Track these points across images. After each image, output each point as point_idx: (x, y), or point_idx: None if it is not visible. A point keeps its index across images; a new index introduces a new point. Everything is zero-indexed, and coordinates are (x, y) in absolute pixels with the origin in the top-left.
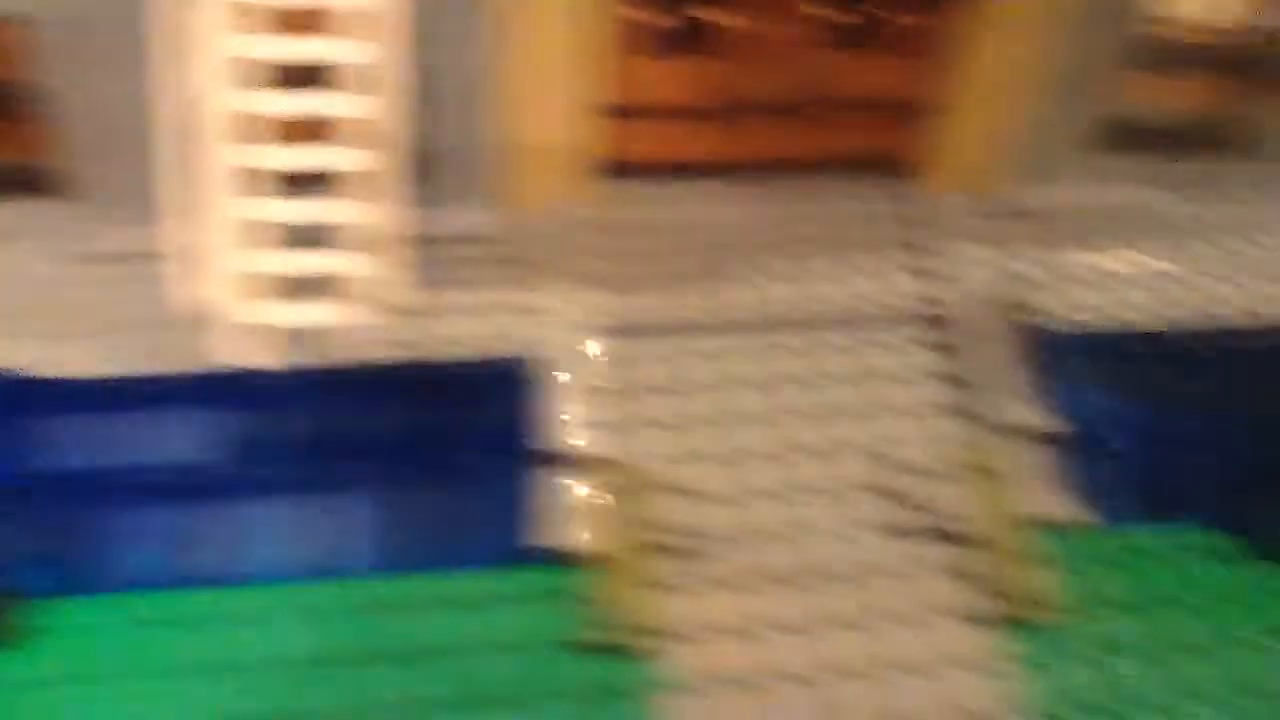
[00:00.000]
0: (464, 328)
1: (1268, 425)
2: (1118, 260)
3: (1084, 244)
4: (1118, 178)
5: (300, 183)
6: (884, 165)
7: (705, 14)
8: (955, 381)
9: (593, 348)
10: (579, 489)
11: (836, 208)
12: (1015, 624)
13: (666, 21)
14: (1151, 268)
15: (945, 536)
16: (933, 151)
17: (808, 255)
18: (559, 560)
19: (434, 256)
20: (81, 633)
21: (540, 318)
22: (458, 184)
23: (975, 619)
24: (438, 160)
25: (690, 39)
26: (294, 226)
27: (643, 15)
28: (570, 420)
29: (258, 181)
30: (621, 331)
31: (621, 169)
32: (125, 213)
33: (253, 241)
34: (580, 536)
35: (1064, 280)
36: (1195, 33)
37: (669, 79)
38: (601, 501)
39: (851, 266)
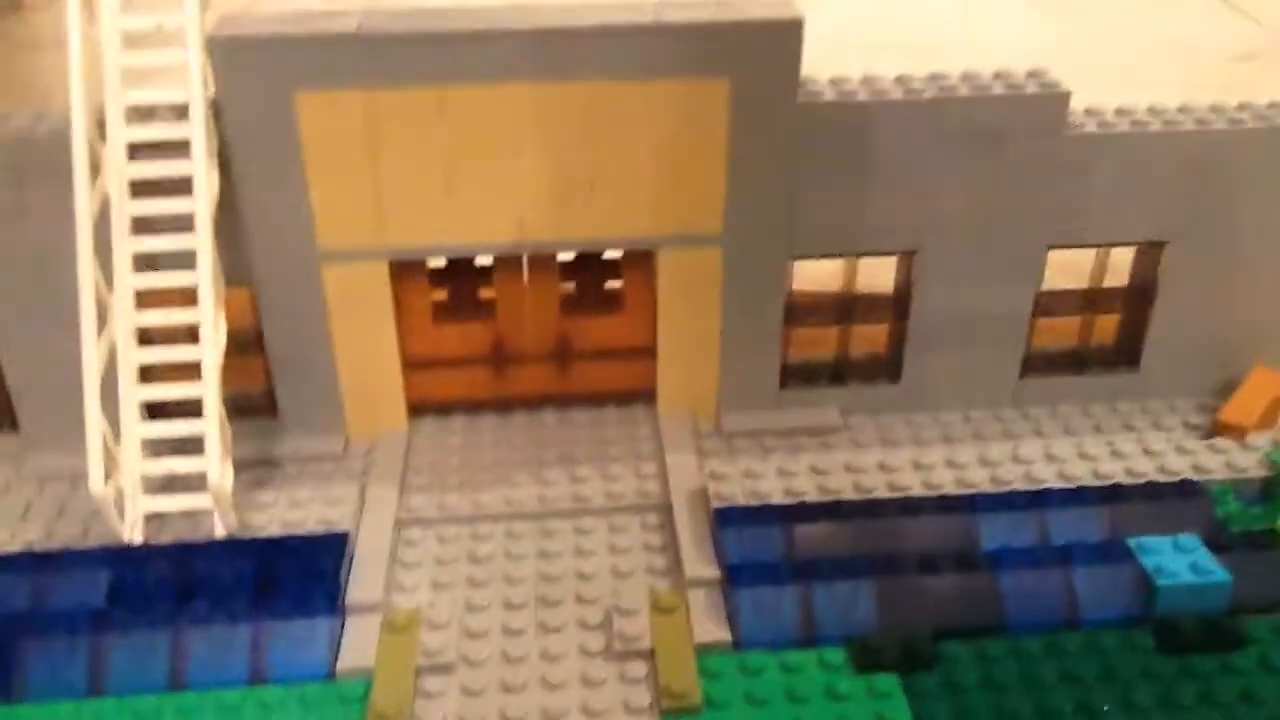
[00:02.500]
0: (303, 513)
1: (882, 569)
2: (787, 459)
3: (760, 451)
4: (795, 402)
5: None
6: (625, 396)
7: (475, 290)
8: (662, 550)
9: (389, 532)
10: (372, 627)
11: (586, 430)
12: (672, 713)
13: (446, 295)
14: (815, 463)
15: (634, 656)
16: (659, 386)
17: (569, 464)
18: (351, 676)
19: (289, 468)
20: None
21: (361, 510)
22: (310, 419)
23: (645, 711)
24: (294, 400)
25: (465, 308)
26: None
27: (432, 291)
28: (372, 579)
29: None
30: (419, 521)
31: (422, 405)
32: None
33: (140, 452)
34: (365, 660)
35: (747, 475)
36: (818, 294)
37: (455, 338)
38: (383, 636)
39: (602, 471)
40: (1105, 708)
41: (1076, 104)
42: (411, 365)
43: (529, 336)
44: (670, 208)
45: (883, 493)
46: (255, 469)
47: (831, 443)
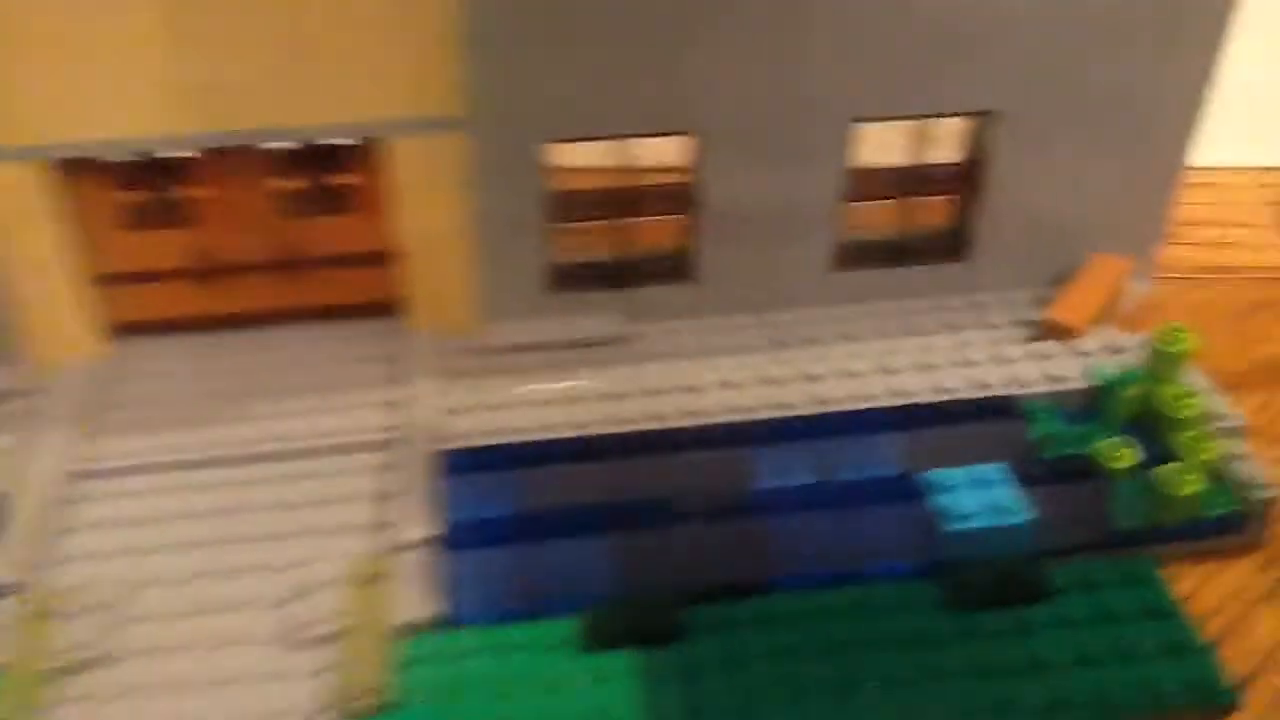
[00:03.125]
0: None
1: (628, 520)
2: (547, 385)
3: (522, 373)
4: (569, 311)
5: None
6: (366, 309)
7: (174, 189)
8: (379, 500)
9: (56, 488)
10: (5, 616)
11: (317, 352)
12: (352, 716)
13: (140, 197)
14: (575, 389)
15: (319, 641)
16: (405, 295)
17: (287, 396)
18: None
19: None
20: None
21: (26, 461)
22: None
23: (321, 713)
24: None
25: (161, 212)
26: None
27: (121, 194)
28: (19, 553)
29: None
30: (96, 473)
31: (123, 328)
32: None
33: None
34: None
35: (489, 407)
36: (590, 178)
37: (150, 247)
38: (21, 625)
39: (324, 404)
40: (870, 685)
41: None
42: (105, 281)
43: (240, 242)
44: (396, 85)
45: (646, 423)
46: None
47: (606, 358)
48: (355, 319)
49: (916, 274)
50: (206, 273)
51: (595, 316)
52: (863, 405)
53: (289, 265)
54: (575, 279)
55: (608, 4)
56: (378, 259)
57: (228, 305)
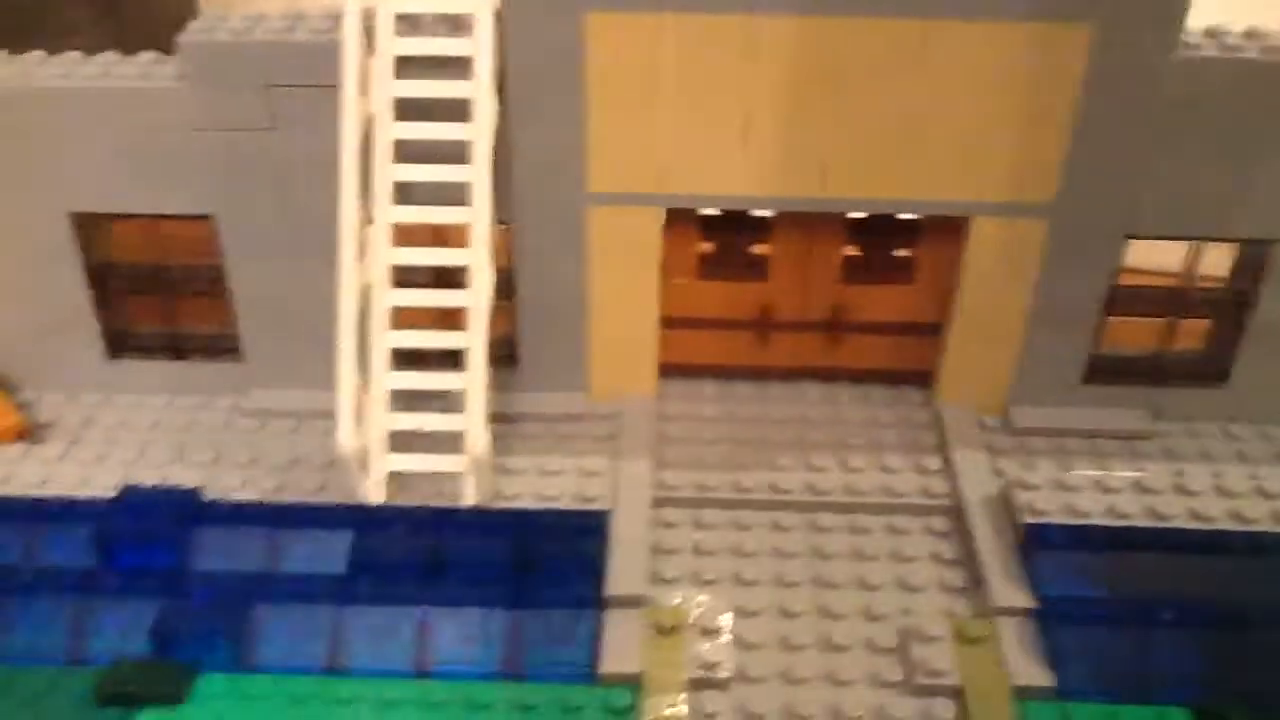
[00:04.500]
0: (557, 483)
1: (1231, 620)
2: (1106, 471)
3: (1053, 456)
4: (1102, 403)
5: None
6: (895, 376)
7: (746, 244)
8: (955, 564)
9: (647, 510)
10: (635, 625)
11: (851, 411)
12: None
13: (717, 248)
14: (1126, 479)
15: (938, 692)
16: (940, 367)
17: (831, 449)
18: (614, 681)
19: (528, 427)
20: (240, 700)
21: (617, 482)
22: (552, 374)
23: None
24: (537, 352)
25: (735, 265)
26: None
27: (700, 243)
28: (634, 568)
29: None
30: (676, 500)
31: (674, 369)
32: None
33: (391, 406)
34: (630, 664)
35: (1053, 486)
36: (1154, 278)
37: (718, 296)
38: (649, 637)
39: (872, 462)
40: None
41: None
42: (669, 323)
43: (798, 301)
44: (998, 169)
45: (1225, 522)
46: (493, 425)
47: (1144, 452)
48: (883, 384)
49: None
50: (762, 325)
51: (1123, 408)
52: None
53: (835, 326)
54: (1105, 371)
55: (1216, 109)
56: (918, 329)
57: (771, 358)
